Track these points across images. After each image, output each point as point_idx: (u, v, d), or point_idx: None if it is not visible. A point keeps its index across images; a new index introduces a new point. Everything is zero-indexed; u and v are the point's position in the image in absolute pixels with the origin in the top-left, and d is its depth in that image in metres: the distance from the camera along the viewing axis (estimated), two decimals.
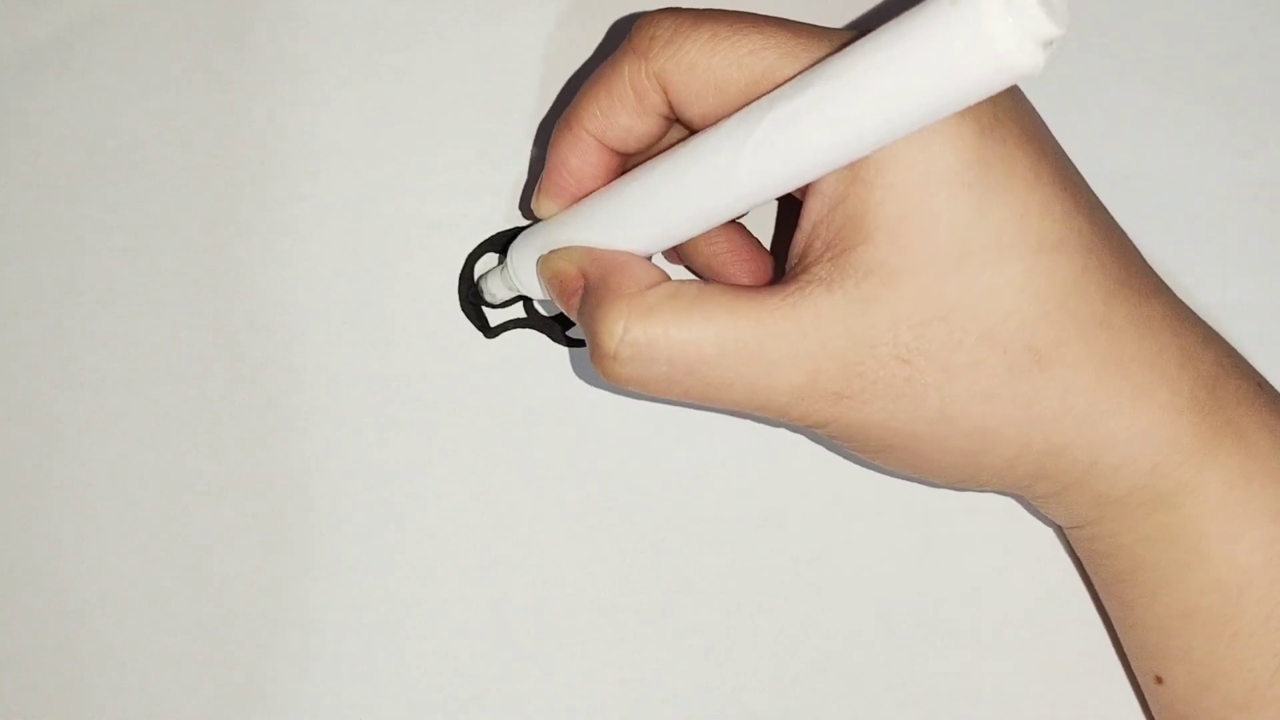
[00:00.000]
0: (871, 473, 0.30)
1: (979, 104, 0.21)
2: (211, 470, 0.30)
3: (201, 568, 0.30)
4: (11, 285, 0.31)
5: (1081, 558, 0.28)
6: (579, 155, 0.26)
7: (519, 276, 0.28)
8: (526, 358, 0.31)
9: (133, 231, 0.31)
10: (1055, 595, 0.30)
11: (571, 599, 0.30)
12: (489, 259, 0.31)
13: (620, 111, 0.25)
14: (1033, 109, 0.24)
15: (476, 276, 0.30)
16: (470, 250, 0.31)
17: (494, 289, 0.29)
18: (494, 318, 0.31)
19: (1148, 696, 0.27)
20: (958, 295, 0.22)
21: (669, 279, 0.24)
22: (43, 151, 0.31)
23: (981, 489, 0.26)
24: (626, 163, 0.27)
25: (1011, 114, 0.23)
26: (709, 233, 0.26)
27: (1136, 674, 0.27)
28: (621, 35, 0.27)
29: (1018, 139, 0.22)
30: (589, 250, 0.25)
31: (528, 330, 0.31)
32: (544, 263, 0.26)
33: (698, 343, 0.23)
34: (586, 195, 0.26)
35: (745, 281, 0.28)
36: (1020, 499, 0.29)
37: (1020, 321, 0.22)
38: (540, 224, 0.27)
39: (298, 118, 0.31)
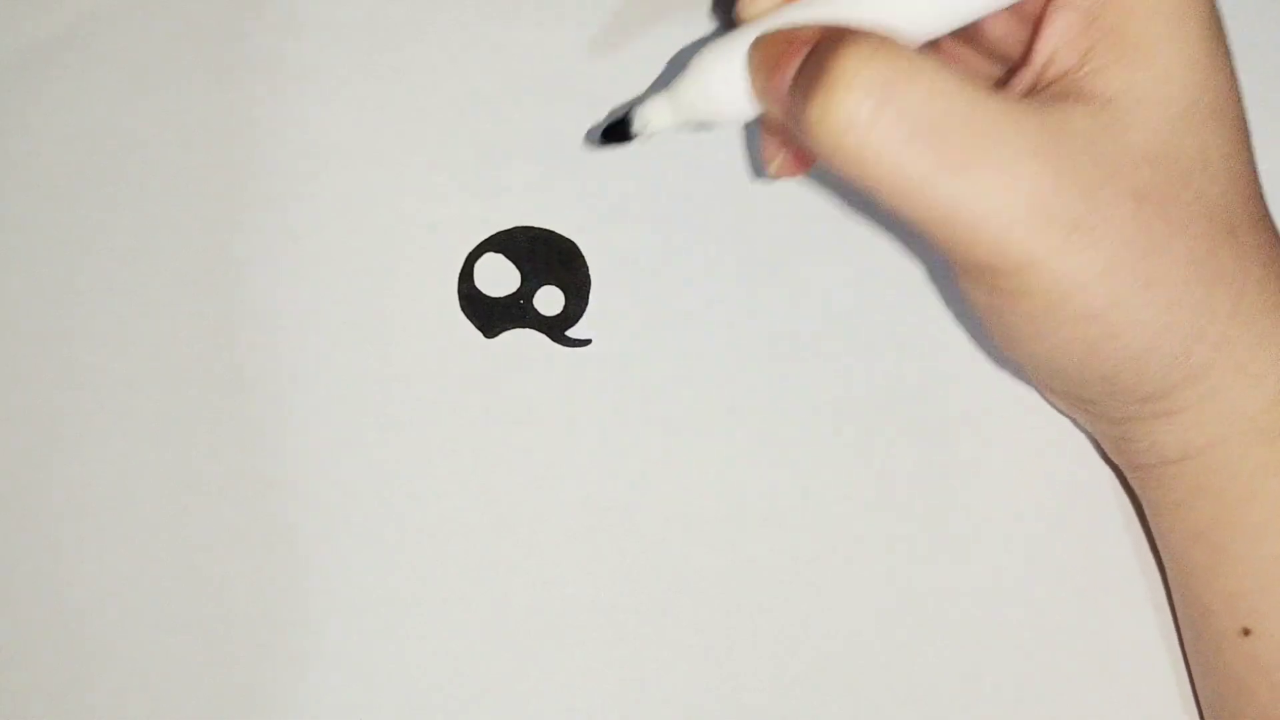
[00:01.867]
0: (871, 473, 0.30)
1: None
2: (211, 470, 0.30)
3: (200, 568, 0.30)
4: (11, 285, 0.31)
5: (1166, 507, 0.26)
6: None
7: (712, 84, 0.23)
8: (526, 358, 0.31)
9: (133, 231, 0.31)
10: (1056, 596, 0.30)
11: (571, 599, 0.30)
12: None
13: None
14: None
15: (629, 107, 0.25)
16: (470, 250, 0.31)
17: (652, 114, 0.25)
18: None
19: (1217, 655, 0.26)
20: (1182, 142, 0.21)
21: None
22: (43, 151, 0.31)
23: (1109, 401, 0.24)
24: None
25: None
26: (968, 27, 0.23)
27: (1207, 632, 0.26)
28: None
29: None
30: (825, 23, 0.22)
31: (528, 330, 0.31)
32: (765, 35, 0.23)
33: (949, 99, 0.20)
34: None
35: None
36: (1118, 433, 0.27)
37: (1223, 194, 0.22)
38: (734, 31, 0.24)
39: (298, 118, 0.31)
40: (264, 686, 0.29)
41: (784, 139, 0.26)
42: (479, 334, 0.31)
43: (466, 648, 0.29)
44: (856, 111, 0.20)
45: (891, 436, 0.30)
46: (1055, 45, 0.22)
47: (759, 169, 0.31)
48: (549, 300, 0.31)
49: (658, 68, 0.31)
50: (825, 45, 0.21)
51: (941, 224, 0.21)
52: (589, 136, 0.28)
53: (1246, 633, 0.25)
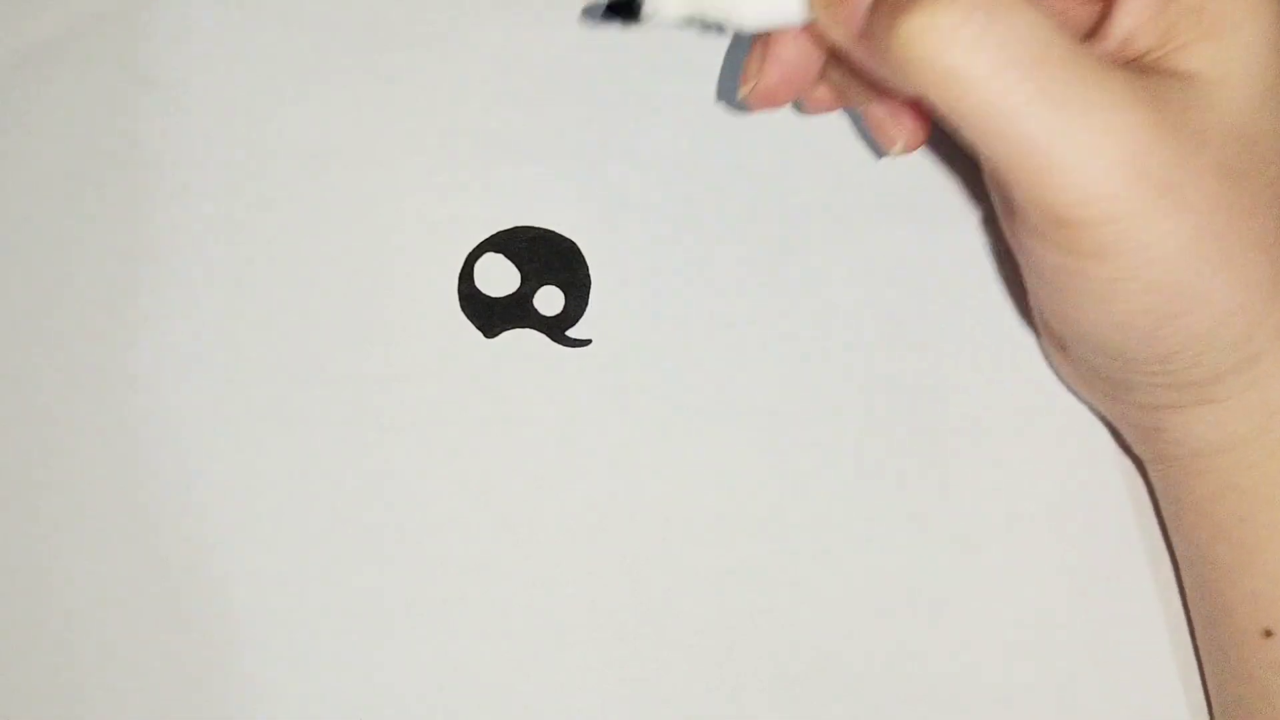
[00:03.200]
0: (871, 472, 0.30)
1: None
2: (210, 470, 0.30)
3: (200, 568, 0.30)
4: (11, 285, 0.31)
5: (1191, 502, 0.25)
6: None
7: None
8: (526, 358, 0.31)
9: (133, 231, 0.31)
10: (1057, 596, 0.30)
11: (571, 599, 0.30)
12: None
13: None
14: None
15: None
16: (470, 250, 0.31)
17: (667, 3, 0.22)
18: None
19: (1237, 656, 0.25)
20: (1262, 122, 0.21)
21: None
22: (43, 151, 0.31)
23: (1152, 386, 0.23)
24: None
25: None
26: None
27: (1226, 632, 0.25)
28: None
29: None
30: None
31: (528, 330, 0.31)
32: None
33: (1051, 36, 0.19)
34: None
35: None
36: (1151, 422, 0.26)
37: None
38: None
39: (298, 118, 0.31)
40: (264, 686, 0.29)
41: (841, 84, 0.25)
42: (479, 334, 0.31)
43: (466, 648, 0.29)
44: (959, 31, 0.19)
45: (893, 436, 0.30)
46: (1134, 23, 0.22)
47: (873, 149, 0.30)
48: (549, 300, 0.31)
49: (657, 66, 0.31)
50: None
51: (1032, 162, 0.20)
52: (588, 11, 0.26)
53: (1268, 634, 0.24)
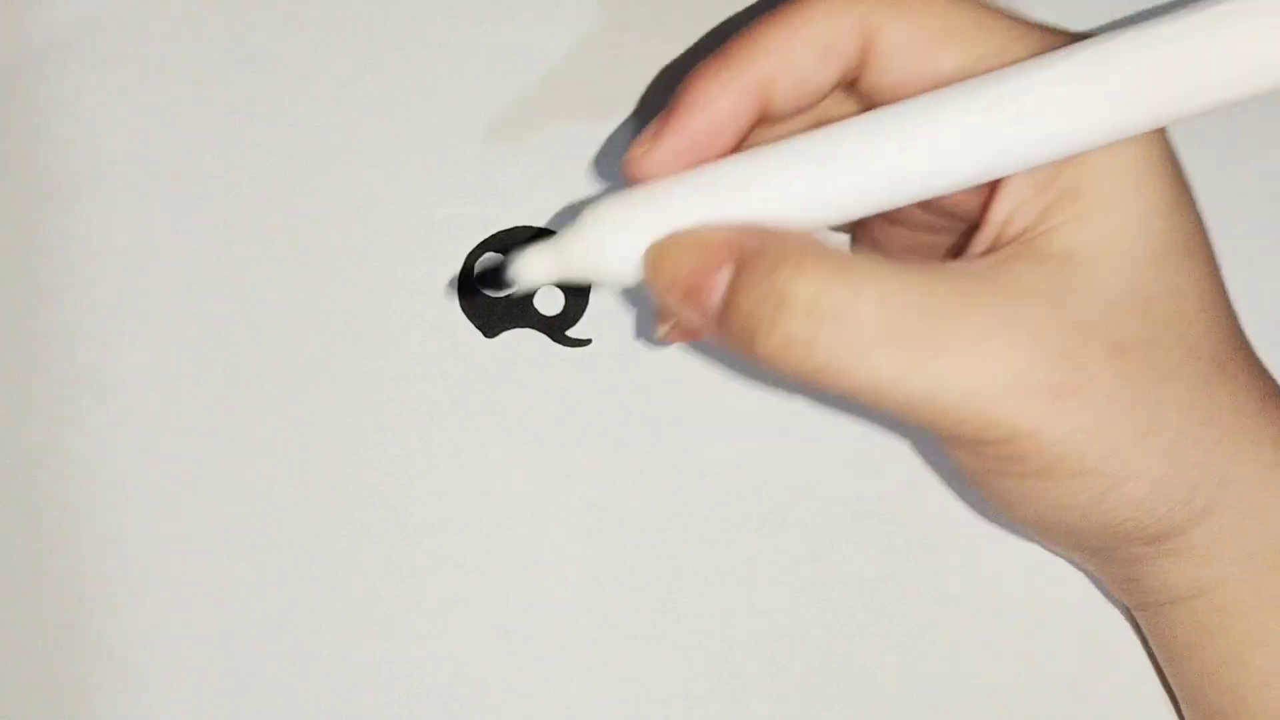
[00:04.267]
0: (871, 472, 0.30)
1: None
2: (210, 470, 0.30)
3: (200, 568, 0.30)
4: (11, 285, 0.31)
5: (1176, 648, 0.25)
6: (732, 99, 0.21)
7: (602, 252, 0.21)
8: (526, 358, 0.31)
9: (133, 231, 0.31)
10: (1059, 595, 0.30)
11: (571, 599, 0.30)
12: (542, 240, 0.28)
13: (804, 53, 0.21)
14: None
15: (500, 258, 0.25)
16: (470, 250, 0.31)
17: (531, 270, 0.22)
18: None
19: None
20: (1154, 287, 0.21)
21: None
22: (43, 151, 0.31)
23: (1115, 547, 0.24)
24: (750, 138, 0.22)
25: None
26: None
27: None
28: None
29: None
30: (735, 223, 0.21)
31: (528, 330, 0.31)
32: (671, 241, 0.21)
33: (900, 300, 0.20)
34: (712, 159, 0.22)
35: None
36: (1126, 574, 0.26)
37: (1206, 326, 0.21)
38: (636, 189, 0.22)
39: (298, 118, 0.31)
40: (264, 686, 0.29)
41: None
42: (479, 334, 0.31)
43: (466, 648, 0.29)
44: (818, 338, 0.20)
45: (894, 436, 0.30)
46: (1013, 205, 0.21)
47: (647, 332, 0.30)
48: (549, 300, 0.31)
49: (656, 68, 0.31)
50: (755, 261, 0.20)
51: (924, 411, 0.21)
52: (450, 285, 0.26)
53: None
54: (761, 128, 0.23)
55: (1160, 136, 0.22)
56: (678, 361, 0.30)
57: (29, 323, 0.31)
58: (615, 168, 0.31)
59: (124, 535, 0.30)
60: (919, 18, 0.21)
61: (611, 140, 0.31)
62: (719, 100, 0.21)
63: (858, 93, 0.22)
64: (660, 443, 0.30)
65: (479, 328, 0.31)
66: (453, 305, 0.31)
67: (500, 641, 0.30)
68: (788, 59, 0.21)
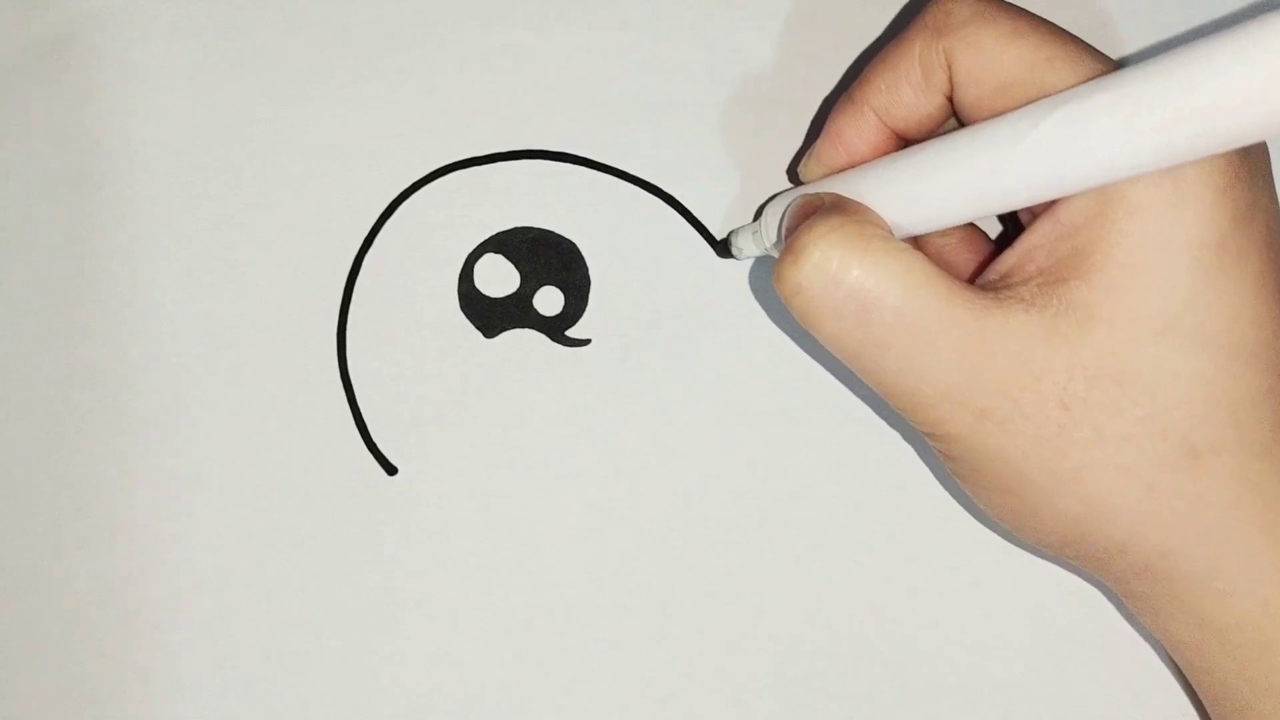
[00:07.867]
0: (871, 472, 0.30)
1: (1238, 190, 0.21)
2: (210, 470, 0.30)
3: (200, 568, 0.30)
4: (11, 285, 0.31)
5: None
6: (856, 129, 0.26)
7: (768, 229, 0.28)
8: (526, 358, 0.31)
9: (133, 231, 0.31)
10: (1059, 595, 0.30)
11: (571, 599, 0.30)
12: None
13: (905, 86, 0.25)
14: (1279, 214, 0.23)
15: (728, 232, 0.30)
16: (470, 250, 0.31)
17: (742, 244, 0.29)
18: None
19: None
20: (1141, 365, 0.22)
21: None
22: (43, 151, 0.31)
23: (1068, 562, 0.25)
24: (898, 147, 0.26)
25: (1264, 213, 0.22)
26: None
27: None
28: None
29: (1261, 240, 0.22)
30: (842, 195, 0.25)
31: (528, 330, 0.31)
32: (798, 197, 0.26)
33: (884, 287, 0.22)
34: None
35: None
36: (1113, 593, 0.28)
37: (1189, 415, 0.22)
38: (800, 187, 0.28)
39: (298, 118, 0.31)
40: (264, 686, 0.29)
41: None
42: (479, 334, 0.31)
43: (467, 648, 0.29)
44: (809, 281, 0.23)
45: (893, 436, 0.30)
46: (1033, 246, 0.23)
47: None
48: (549, 300, 0.31)
49: (657, 66, 0.31)
50: (825, 209, 0.24)
51: (875, 386, 0.24)
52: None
53: None
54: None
55: (1210, 208, 0.21)
56: (678, 361, 0.30)
57: (29, 322, 0.31)
58: (615, 168, 0.31)
59: (123, 535, 0.30)
60: (987, 49, 0.23)
61: (612, 140, 0.31)
62: (846, 130, 0.26)
63: (958, 106, 0.25)
64: (660, 443, 0.30)
65: (479, 328, 0.31)
66: (453, 305, 0.31)
67: (501, 641, 0.30)
68: (893, 91, 0.25)
